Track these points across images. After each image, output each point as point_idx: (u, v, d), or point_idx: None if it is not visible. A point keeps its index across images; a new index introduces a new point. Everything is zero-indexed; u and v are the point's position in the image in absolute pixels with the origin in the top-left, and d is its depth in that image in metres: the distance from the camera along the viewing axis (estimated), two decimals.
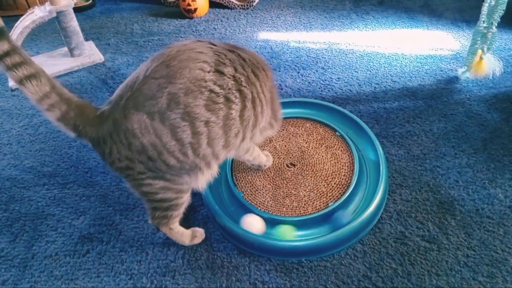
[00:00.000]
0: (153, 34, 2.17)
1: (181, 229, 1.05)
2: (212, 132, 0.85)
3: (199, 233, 1.09)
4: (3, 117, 1.62)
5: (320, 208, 1.10)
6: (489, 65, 1.58)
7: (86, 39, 2.06)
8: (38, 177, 1.33)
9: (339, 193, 1.13)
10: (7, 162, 1.40)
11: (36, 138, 1.50)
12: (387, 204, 1.16)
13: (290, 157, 1.26)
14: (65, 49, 1.96)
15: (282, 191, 1.16)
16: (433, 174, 1.25)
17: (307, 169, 1.21)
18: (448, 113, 1.49)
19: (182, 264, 1.04)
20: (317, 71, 1.78)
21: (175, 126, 0.82)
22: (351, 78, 1.72)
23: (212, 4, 2.42)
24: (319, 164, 1.22)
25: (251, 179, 1.20)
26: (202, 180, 0.94)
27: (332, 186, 1.15)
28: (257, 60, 0.93)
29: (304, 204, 1.12)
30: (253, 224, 1.07)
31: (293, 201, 1.13)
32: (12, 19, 2.34)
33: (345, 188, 1.14)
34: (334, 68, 1.79)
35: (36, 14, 1.74)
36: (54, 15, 1.75)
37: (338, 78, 1.72)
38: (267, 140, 1.32)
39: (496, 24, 1.48)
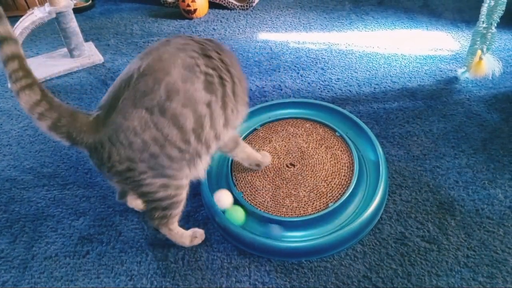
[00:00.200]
0: (153, 35, 2.17)
1: (181, 230, 1.05)
2: (214, 112, 0.91)
3: (199, 234, 1.09)
4: (3, 118, 1.62)
5: (320, 208, 1.10)
6: (488, 65, 1.58)
7: (86, 40, 2.06)
8: (38, 178, 1.33)
9: (339, 194, 1.13)
10: (7, 163, 1.40)
11: (36, 139, 1.50)
12: (387, 204, 1.16)
13: (290, 158, 1.26)
14: (65, 50, 1.96)
15: (282, 192, 1.16)
16: (433, 175, 1.25)
17: (307, 169, 1.21)
18: (447, 114, 1.49)
19: (182, 265, 1.04)
20: (316, 71, 1.78)
21: (177, 115, 0.84)
22: (350, 78, 1.72)
23: (212, 5, 2.42)
24: (319, 164, 1.22)
25: (250, 179, 1.20)
26: (201, 168, 0.98)
27: (332, 187, 1.15)
28: (222, 46, 1.01)
29: (304, 205, 1.12)
30: (221, 199, 1.10)
31: (293, 201, 1.13)
32: (11, 20, 2.34)
33: (345, 188, 1.14)
34: (334, 68, 1.79)
35: (35, 15, 1.74)
36: (54, 16, 1.75)
37: (338, 78, 1.72)
38: (267, 140, 1.32)
39: (495, 25, 1.48)
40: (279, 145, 1.31)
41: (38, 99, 0.78)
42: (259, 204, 1.13)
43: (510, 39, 1.91)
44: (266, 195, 1.16)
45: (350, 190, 1.12)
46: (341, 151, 1.26)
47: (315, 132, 1.34)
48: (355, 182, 1.15)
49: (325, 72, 1.77)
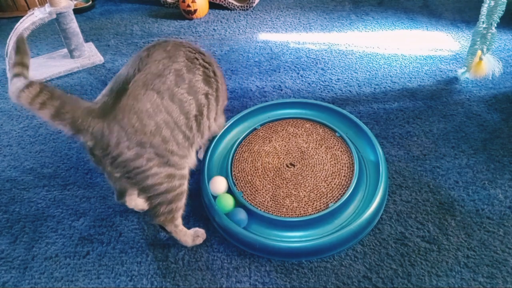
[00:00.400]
0: (153, 35, 2.17)
1: (184, 228, 1.06)
2: (210, 104, 1.01)
3: (201, 233, 1.09)
4: (3, 119, 1.63)
5: (320, 208, 1.10)
6: (488, 65, 1.58)
7: (86, 41, 2.06)
8: (38, 178, 1.33)
9: (339, 194, 1.13)
10: (7, 164, 1.40)
11: (36, 140, 1.50)
12: (387, 204, 1.16)
13: (290, 158, 1.26)
14: (65, 50, 1.96)
15: (282, 192, 1.16)
16: (433, 175, 1.25)
17: (307, 169, 1.22)
18: (447, 114, 1.49)
19: (182, 266, 1.04)
20: (316, 72, 1.78)
21: (183, 101, 0.92)
22: (350, 79, 1.72)
23: (212, 5, 2.42)
24: (319, 164, 1.23)
25: (251, 179, 1.20)
26: (193, 157, 1.05)
27: (332, 187, 1.16)
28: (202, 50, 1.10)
29: (304, 205, 1.12)
30: (215, 184, 1.16)
31: (293, 201, 1.13)
32: (12, 21, 2.35)
33: (345, 188, 1.14)
34: (334, 69, 1.79)
35: (36, 16, 1.74)
36: (54, 16, 1.75)
37: (338, 79, 1.73)
38: (267, 140, 1.32)
39: (495, 25, 1.48)
40: (279, 145, 1.31)
41: (38, 90, 0.77)
42: (259, 204, 1.13)
43: (510, 39, 1.91)
44: (266, 195, 1.16)
45: (350, 190, 1.13)
46: (341, 151, 1.26)
47: (315, 132, 1.34)
48: (355, 182, 1.15)
49: (325, 73, 1.77)
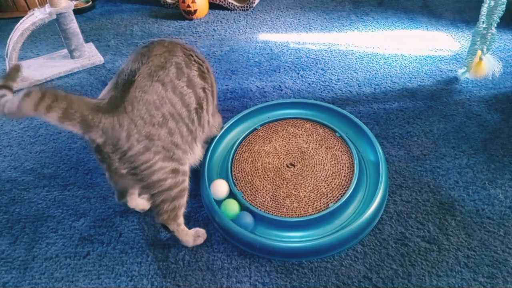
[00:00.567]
0: (153, 36, 2.17)
1: (186, 228, 1.06)
2: (208, 98, 1.04)
3: (202, 233, 1.09)
4: (3, 119, 1.63)
5: (321, 209, 1.10)
6: (488, 65, 1.58)
7: (86, 41, 2.06)
8: (38, 179, 1.33)
9: (340, 194, 1.13)
10: (8, 164, 1.40)
11: (37, 140, 1.50)
12: (387, 205, 1.16)
13: (290, 158, 1.26)
14: (65, 51, 1.96)
15: (282, 192, 1.16)
16: (433, 175, 1.25)
17: (307, 169, 1.22)
18: (448, 114, 1.49)
19: (182, 266, 1.04)
20: (316, 72, 1.78)
21: (183, 94, 0.94)
22: (350, 79, 1.72)
23: (212, 6, 2.43)
24: (319, 164, 1.23)
25: (251, 179, 1.20)
26: (198, 153, 1.07)
27: (333, 187, 1.16)
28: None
29: (305, 205, 1.12)
30: (216, 188, 1.15)
31: (293, 201, 1.13)
32: (12, 21, 2.35)
33: (345, 189, 1.14)
34: (334, 69, 1.79)
35: (36, 16, 1.74)
36: (54, 17, 1.75)
37: (338, 79, 1.73)
38: (267, 140, 1.32)
39: (495, 25, 1.48)
40: (279, 145, 1.31)
41: (40, 95, 0.74)
42: (259, 204, 1.13)
43: (510, 39, 1.91)
44: (266, 195, 1.16)
45: (351, 190, 1.13)
46: (341, 151, 1.26)
47: (315, 133, 1.34)
48: (355, 182, 1.15)
49: (325, 73, 1.77)
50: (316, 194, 1.14)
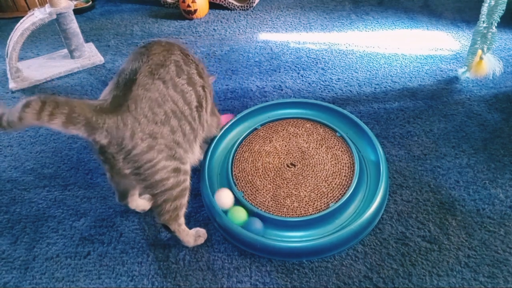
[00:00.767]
0: (153, 36, 2.17)
1: (187, 228, 1.06)
2: (207, 96, 1.04)
3: (202, 233, 1.09)
4: None
5: (321, 208, 1.10)
6: (489, 65, 1.58)
7: (86, 41, 2.06)
8: (38, 179, 1.33)
9: (340, 194, 1.13)
10: (8, 164, 1.40)
11: (37, 140, 1.50)
12: (388, 204, 1.16)
13: (291, 157, 1.26)
14: (65, 50, 1.96)
15: (283, 192, 1.16)
16: (433, 175, 1.25)
17: (308, 169, 1.21)
18: (448, 113, 1.49)
19: (183, 266, 1.04)
20: (317, 71, 1.78)
21: (184, 91, 0.94)
22: (351, 78, 1.72)
23: (212, 5, 2.42)
24: (319, 164, 1.23)
25: (251, 179, 1.20)
26: (196, 150, 1.06)
27: (333, 187, 1.16)
28: None
29: (305, 205, 1.12)
30: (221, 199, 1.12)
31: (294, 201, 1.13)
32: (12, 21, 2.35)
33: (346, 188, 1.14)
34: (334, 68, 1.79)
35: (36, 16, 1.74)
36: (54, 17, 1.75)
37: (338, 78, 1.73)
38: (267, 140, 1.32)
39: (496, 24, 1.48)
40: (279, 145, 1.31)
41: (40, 104, 0.73)
42: (259, 204, 1.13)
43: (511, 39, 1.91)
44: (266, 195, 1.16)
45: (351, 190, 1.13)
46: (341, 151, 1.26)
47: (315, 132, 1.34)
48: (355, 182, 1.15)
49: (325, 72, 1.77)
50: (317, 194, 1.14)
